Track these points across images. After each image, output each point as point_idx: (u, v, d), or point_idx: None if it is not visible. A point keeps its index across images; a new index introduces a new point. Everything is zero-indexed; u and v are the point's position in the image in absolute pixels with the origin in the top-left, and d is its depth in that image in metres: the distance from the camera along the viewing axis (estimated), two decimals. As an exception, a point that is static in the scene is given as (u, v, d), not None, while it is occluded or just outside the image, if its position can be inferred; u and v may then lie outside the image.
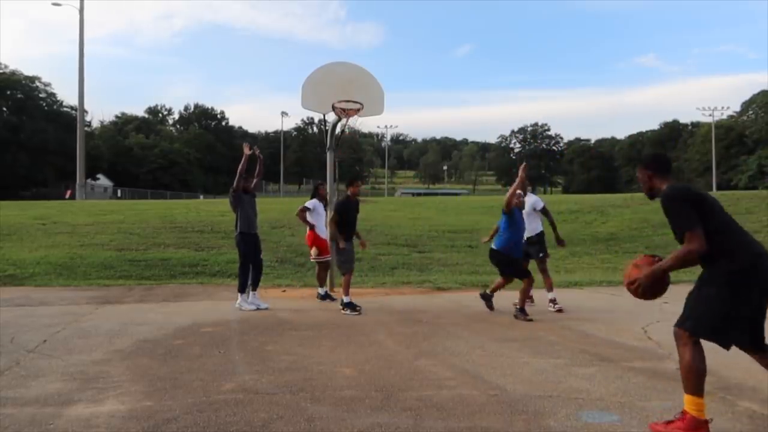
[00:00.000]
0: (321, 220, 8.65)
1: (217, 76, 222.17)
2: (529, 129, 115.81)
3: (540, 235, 7.95)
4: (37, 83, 64.54)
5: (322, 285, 8.67)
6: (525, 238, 7.64)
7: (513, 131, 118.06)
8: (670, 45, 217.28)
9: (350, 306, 7.45)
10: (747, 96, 77.27)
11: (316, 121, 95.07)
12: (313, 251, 8.61)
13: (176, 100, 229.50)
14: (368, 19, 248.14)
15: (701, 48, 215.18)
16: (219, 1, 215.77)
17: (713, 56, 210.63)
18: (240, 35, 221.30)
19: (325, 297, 8.52)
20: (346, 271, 7.67)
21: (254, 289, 7.87)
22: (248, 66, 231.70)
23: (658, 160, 3.67)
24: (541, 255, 7.86)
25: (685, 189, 3.37)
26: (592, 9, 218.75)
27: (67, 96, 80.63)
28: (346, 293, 7.55)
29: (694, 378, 3.24)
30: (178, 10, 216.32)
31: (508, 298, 8.60)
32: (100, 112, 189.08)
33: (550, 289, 7.76)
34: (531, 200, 7.94)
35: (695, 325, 3.29)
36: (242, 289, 7.74)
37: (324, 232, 8.60)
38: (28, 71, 78.45)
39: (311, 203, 8.69)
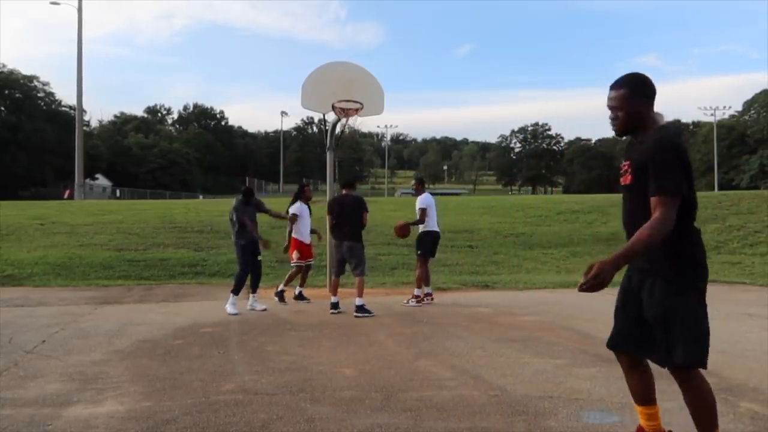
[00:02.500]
0: (304, 223, 8.63)
1: (217, 75, 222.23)
2: (529, 129, 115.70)
3: (419, 234, 8.50)
4: (36, 83, 64.52)
5: (302, 284, 8.75)
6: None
7: (513, 131, 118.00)
8: (671, 45, 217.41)
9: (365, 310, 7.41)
10: (748, 96, 77.34)
11: (316, 121, 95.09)
12: (295, 254, 8.61)
13: (176, 99, 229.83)
14: (368, 19, 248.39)
15: (702, 48, 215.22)
16: (219, 1, 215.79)
17: (714, 56, 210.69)
18: (240, 35, 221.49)
19: (300, 297, 8.62)
20: (363, 273, 7.63)
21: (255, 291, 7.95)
22: (248, 66, 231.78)
23: (648, 83, 2.63)
24: (418, 252, 8.44)
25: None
26: (592, 9, 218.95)
27: (67, 95, 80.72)
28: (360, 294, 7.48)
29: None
30: (178, 10, 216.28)
31: (506, 297, 8.60)
32: (99, 111, 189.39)
33: (417, 285, 8.36)
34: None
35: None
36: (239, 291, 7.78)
37: (307, 236, 8.65)
38: (27, 71, 78.61)
39: (297, 209, 8.63)
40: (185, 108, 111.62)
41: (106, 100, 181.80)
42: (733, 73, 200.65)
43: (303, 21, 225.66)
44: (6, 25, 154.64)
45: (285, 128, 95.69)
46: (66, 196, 46.56)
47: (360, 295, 7.34)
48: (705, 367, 2.67)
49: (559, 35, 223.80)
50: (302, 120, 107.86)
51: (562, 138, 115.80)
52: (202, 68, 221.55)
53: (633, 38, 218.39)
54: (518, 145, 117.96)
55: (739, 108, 77.66)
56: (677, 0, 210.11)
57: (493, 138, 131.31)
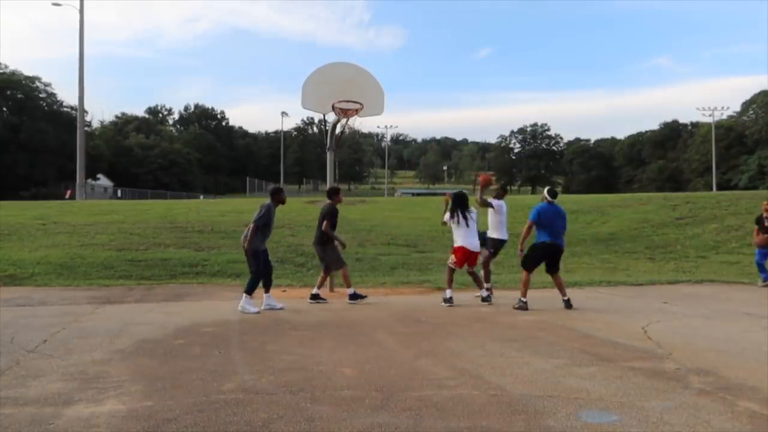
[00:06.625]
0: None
1: (232, 79, 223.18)
2: (528, 129, 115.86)
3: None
4: (38, 83, 64.56)
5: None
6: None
7: (513, 131, 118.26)
8: (670, 46, 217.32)
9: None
10: (747, 96, 77.39)
11: (316, 121, 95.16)
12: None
13: (186, 101, 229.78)
14: (374, 24, 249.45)
15: (703, 50, 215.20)
16: (243, 6, 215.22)
17: (715, 57, 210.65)
18: (262, 39, 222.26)
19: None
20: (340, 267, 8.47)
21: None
22: (265, 69, 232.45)
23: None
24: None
25: None
26: (593, 11, 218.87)
27: (69, 96, 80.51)
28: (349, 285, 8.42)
29: None
30: (203, 14, 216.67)
31: (508, 298, 8.62)
32: (100, 112, 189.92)
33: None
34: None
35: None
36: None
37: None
38: (31, 72, 78.49)
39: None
40: (186, 108, 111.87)
41: (107, 101, 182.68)
42: (732, 74, 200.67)
43: (320, 25, 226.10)
44: (11, 25, 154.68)
45: (285, 128, 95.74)
46: (67, 196, 46.57)
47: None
48: None
49: (560, 36, 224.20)
50: (302, 120, 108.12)
51: (562, 138, 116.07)
52: (217, 71, 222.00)
53: (633, 40, 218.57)
54: (518, 145, 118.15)
55: (738, 109, 77.81)
56: (678, 2, 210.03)
57: (492, 138, 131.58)
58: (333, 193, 8.62)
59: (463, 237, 8.21)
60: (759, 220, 11.08)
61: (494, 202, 8.92)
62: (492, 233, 8.94)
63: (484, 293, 8.35)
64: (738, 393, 4.02)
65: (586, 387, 4.17)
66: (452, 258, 8.31)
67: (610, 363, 4.88)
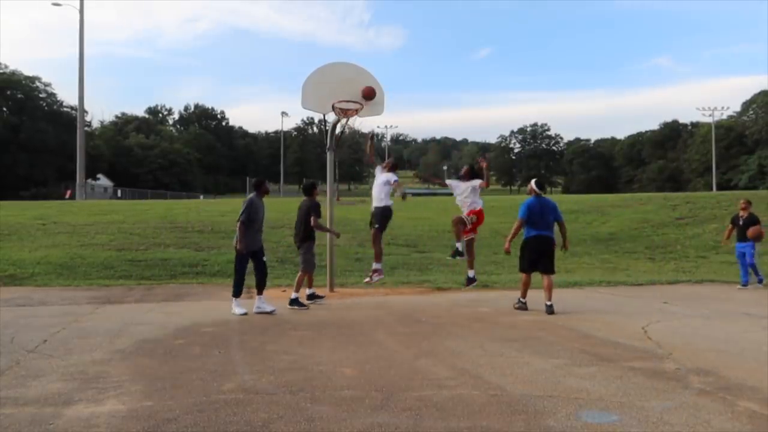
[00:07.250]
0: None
1: (231, 78, 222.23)
2: (528, 129, 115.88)
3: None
4: (38, 83, 64.58)
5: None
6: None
7: (513, 131, 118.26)
8: (670, 46, 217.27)
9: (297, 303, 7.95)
10: (747, 96, 77.38)
11: (316, 121, 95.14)
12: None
13: (186, 101, 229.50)
14: (374, 24, 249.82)
15: (703, 50, 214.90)
16: (243, 6, 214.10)
17: (715, 57, 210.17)
18: (261, 39, 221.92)
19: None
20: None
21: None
22: (258, 68, 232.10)
23: None
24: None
25: None
26: (593, 11, 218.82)
27: (72, 96, 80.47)
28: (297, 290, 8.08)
29: None
30: (203, 14, 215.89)
31: (508, 298, 8.62)
32: (100, 112, 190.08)
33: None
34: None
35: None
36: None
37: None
38: (34, 72, 78.33)
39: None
40: (186, 108, 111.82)
41: (107, 101, 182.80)
42: (732, 74, 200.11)
43: (320, 25, 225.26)
44: (8, 25, 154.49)
45: (285, 129, 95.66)
46: (67, 196, 46.57)
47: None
48: None
49: (559, 37, 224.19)
50: (302, 120, 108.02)
51: (562, 138, 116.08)
52: (217, 71, 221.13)
53: (633, 41, 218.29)
54: (518, 145, 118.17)
55: (738, 109, 77.80)
56: (677, 2, 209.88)
57: (492, 138, 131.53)
58: (311, 189, 8.46)
59: (479, 203, 8.56)
60: (735, 219, 11.01)
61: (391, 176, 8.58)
62: (382, 203, 8.45)
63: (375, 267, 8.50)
64: (738, 393, 4.02)
65: (586, 387, 4.17)
66: (472, 218, 8.46)
67: (610, 363, 4.88)
